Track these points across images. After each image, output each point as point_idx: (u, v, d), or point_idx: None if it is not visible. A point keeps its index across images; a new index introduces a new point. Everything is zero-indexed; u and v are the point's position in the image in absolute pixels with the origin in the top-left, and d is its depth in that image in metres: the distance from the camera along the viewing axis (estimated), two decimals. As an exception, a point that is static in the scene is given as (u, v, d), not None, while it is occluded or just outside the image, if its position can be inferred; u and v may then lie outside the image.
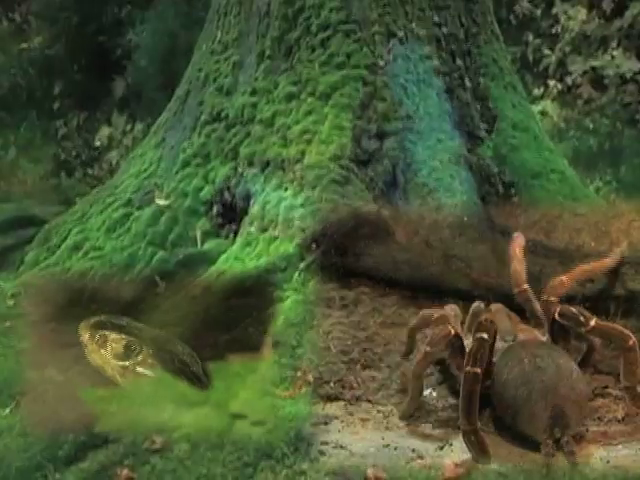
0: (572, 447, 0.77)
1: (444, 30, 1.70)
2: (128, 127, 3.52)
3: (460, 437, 0.82)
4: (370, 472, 0.78)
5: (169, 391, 0.97)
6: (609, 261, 1.06)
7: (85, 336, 1.01)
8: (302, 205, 1.39)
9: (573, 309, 0.89)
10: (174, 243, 1.54)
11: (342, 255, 1.21)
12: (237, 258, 1.40)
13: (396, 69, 1.59)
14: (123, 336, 1.00)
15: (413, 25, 1.65)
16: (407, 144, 1.53)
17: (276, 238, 1.37)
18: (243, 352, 1.07)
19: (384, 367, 1.03)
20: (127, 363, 0.99)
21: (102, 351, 0.99)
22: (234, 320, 1.17)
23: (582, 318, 0.87)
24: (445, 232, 1.19)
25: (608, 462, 0.78)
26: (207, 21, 1.89)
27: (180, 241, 1.55)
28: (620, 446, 0.82)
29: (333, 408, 0.95)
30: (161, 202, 1.61)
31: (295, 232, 1.34)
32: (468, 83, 1.71)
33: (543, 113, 3.01)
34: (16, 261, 1.75)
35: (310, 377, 1.01)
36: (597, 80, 3.04)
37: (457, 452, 0.82)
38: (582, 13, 3.20)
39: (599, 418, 0.88)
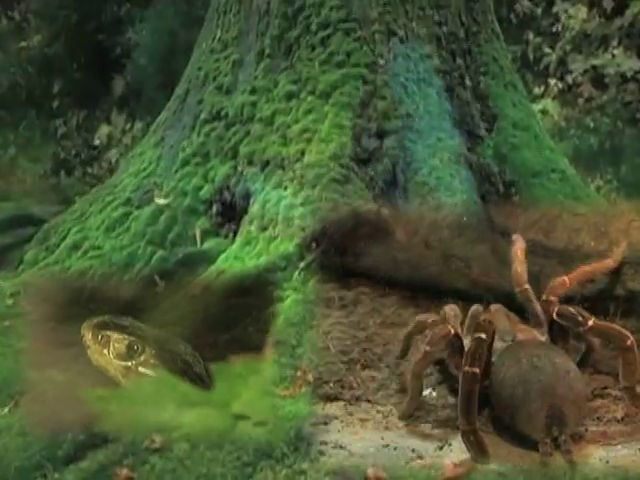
0: (569, 446, 0.77)
1: (444, 29, 1.70)
2: (127, 126, 3.52)
3: (459, 437, 0.82)
4: (370, 472, 0.78)
5: (171, 391, 0.97)
6: (610, 262, 1.06)
7: (88, 336, 1.01)
8: (302, 204, 1.38)
9: (571, 309, 0.89)
10: (173, 242, 1.54)
11: (341, 255, 1.21)
12: (237, 257, 1.40)
13: (396, 68, 1.59)
14: (125, 336, 0.99)
15: (413, 24, 1.65)
16: (407, 143, 1.52)
17: (276, 237, 1.37)
18: (243, 352, 1.07)
19: (383, 367, 1.03)
20: (130, 363, 0.99)
21: (105, 351, 0.99)
22: (234, 319, 1.17)
23: (580, 318, 0.87)
24: (444, 232, 1.19)
25: (607, 462, 0.78)
26: (207, 20, 1.89)
27: (180, 240, 1.55)
28: (619, 446, 0.81)
29: (333, 408, 0.94)
30: (160, 201, 1.61)
31: (295, 231, 1.34)
32: (468, 82, 1.71)
33: (544, 112, 3.01)
34: (15, 260, 1.75)
35: (310, 377, 1.01)
36: (598, 79, 3.04)
37: (456, 452, 0.82)
38: (583, 12, 3.19)
39: (598, 418, 0.88)
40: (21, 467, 0.87)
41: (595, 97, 3.01)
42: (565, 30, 3.22)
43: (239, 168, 1.58)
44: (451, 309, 1.00)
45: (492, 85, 1.75)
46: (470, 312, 0.98)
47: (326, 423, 0.90)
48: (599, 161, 2.65)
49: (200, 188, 1.61)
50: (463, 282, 1.12)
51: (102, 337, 0.99)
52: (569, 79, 3.12)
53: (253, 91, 1.64)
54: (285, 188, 1.45)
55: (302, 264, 1.24)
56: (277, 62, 1.63)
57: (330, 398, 0.97)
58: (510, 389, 0.84)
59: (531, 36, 3.33)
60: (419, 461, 0.81)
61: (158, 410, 0.93)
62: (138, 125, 3.43)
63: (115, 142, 3.51)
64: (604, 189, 2.44)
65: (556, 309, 0.90)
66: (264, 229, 1.41)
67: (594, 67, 3.05)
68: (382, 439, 0.86)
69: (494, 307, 0.99)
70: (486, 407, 0.88)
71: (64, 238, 1.68)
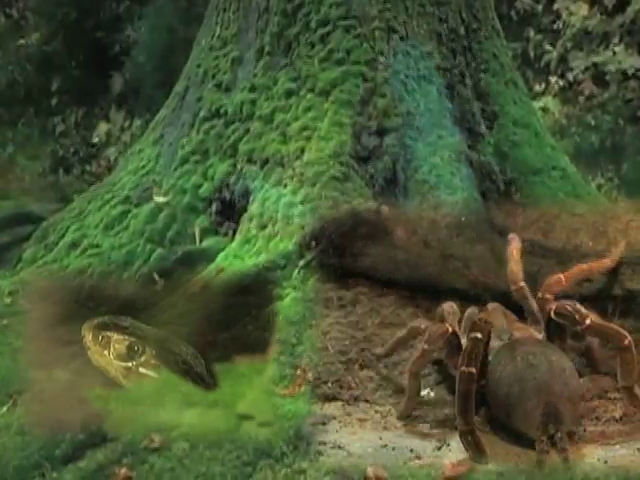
0: (565, 444, 0.77)
1: (445, 26, 1.69)
2: (126, 123, 3.51)
3: (458, 437, 0.82)
4: (370, 471, 0.78)
5: (173, 391, 0.96)
6: (608, 261, 1.06)
7: (88, 337, 1.00)
8: (301, 202, 1.38)
9: (569, 307, 0.88)
10: (173, 240, 1.54)
11: (340, 255, 1.20)
12: (236, 255, 1.39)
13: (396, 65, 1.58)
14: (126, 337, 0.99)
15: (413, 21, 1.64)
16: (407, 141, 1.52)
17: (275, 235, 1.37)
18: (243, 350, 1.06)
19: (382, 367, 1.03)
20: (130, 364, 0.98)
21: (105, 352, 0.99)
22: (233, 318, 1.16)
23: (577, 317, 0.87)
24: (443, 232, 1.19)
25: (606, 462, 0.78)
26: (206, 17, 1.88)
27: (179, 238, 1.54)
28: (618, 446, 0.81)
29: (331, 408, 0.94)
30: (159, 199, 1.60)
31: (294, 229, 1.33)
32: (469, 79, 1.70)
33: (544, 109, 3.00)
34: (13, 258, 1.75)
35: (310, 375, 1.01)
36: (599, 76, 3.03)
37: (455, 452, 0.82)
38: (584, 9, 3.18)
39: (597, 418, 0.88)
40: (19, 466, 0.86)
41: (596, 95, 3.00)
42: (566, 27, 3.21)
43: (238, 166, 1.57)
44: (449, 306, 1.00)
45: (493, 82, 1.74)
46: (466, 314, 0.98)
47: (324, 423, 0.90)
48: (600, 159, 2.65)
49: (199, 186, 1.60)
50: (462, 282, 1.12)
51: (102, 338, 0.99)
52: (570, 76, 3.11)
53: (252, 89, 1.63)
54: (285, 186, 1.44)
55: (302, 262, 1.23)
56: (276, 59, 1.63)
57: (328, 398, 0.96)
58: (506, 388, 0.83)
59: (532, 33, 3.32)
60: (417, 461, 0.81)
61: (159, 409, 0.93)
62: (137, 123, 3.42)
63: (114, 140, 3.51)
64: (605, 187, 2.43)
65: (554, 307, 0.90)
66: (263, 227, 1.41)
67: (595, 64, 3.04)
68: (380, 439, 0.86)
69: (491, 306, 0.99)
70: (483, 406, 0.87)
71: (63, 236, 1.68)
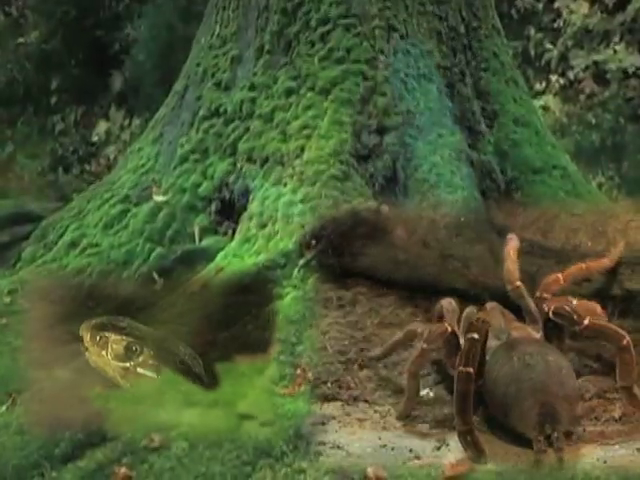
0: (562, 443, 0.76)
1: (445, 25, 1.68)
2: (126, 122, 3.50)
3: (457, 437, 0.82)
4: (370, 470, 0.78)
5: (173, 390, 0.96)
6: (606, 261, 1.06)
7: (86, 338, 1.00)
8: (301, 201, 1.37)
9: (567, 307, 0.88)
10: (172, 239, 1.53)
11: (339, 255, 1.20)
12: (236, 255, 1.39)
13: (396, 64, 1.58)
14: (124, 337, 0.99)
15: (414, 19, 1.64)
16: (407, 139, 1.51)
17: (275, 234, 1.36)
18: (243, 350, 1.06)
19: (381, 367, 1.03)
20: (128, 364, 0.98)
21: (103, 353, 0.99)
22: (233, 317, 1.16)
23: (576, 317, 0.87)
24: (442, 232, 1.18)
25: (605, 462, 0.77)
26: (205, 15, 1.88)
27: (178, 237, 1.54)
28: (617, 446, 0.81)
29: (330, 408, 0.94)
30: (159, 198, 1.60)
31: (294, 228, 1.33)
32: (469, 78, 1.70)
33: (545, 108, 2.99)
34: (13, 258, 1.74)
35: (310, 375, 1.01)
36: (599, 75, 3.02)
37: (454, 452, 0.82)
38: (584, 7, 3.17)
39: (596, 418, 0.88)
40: (19, 465, 0.86)
41: (597, 93, 3.00)
42: (566, 26, 3.21)
43: (238, 165, 1.57)
44: (448, 302, 1.00)
45: (493, 81, 1.73)
46: (465, 313, 0.98)
47: (324, 423, 0.90)
48: (601, 158, 2.64)
49: (199, 185, 1.60)
50: (461, 282, 1.11)
51: (100, 338, 0.99)
52: (570, 75, 3.11)
53: (252, 87, 1.63)
54: (284, 185, 1.44)
55: (301, 261, 1.23)
56: (276, 58, 1.62)
57: (328, 398, 0.96)
58: (503, 387, 0.83)
59: (532, 32, 3.32)
60: (417, 461, 0.81)
61: (159, 409, 0.93)
62: (136, 121, 3.41)
63: (113, 138, 3.50)
64: (606, 186, 2.43)
65: (552, 307, 0.90)
66: (263, 226, 1.41)
67: (596, 63, 3.03)
68: (380, 439, 0.86)
69: (490, 305, 0.99)
70: (480, 406, 0.87)
71: (62, 235, 1.68)
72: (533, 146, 1.69)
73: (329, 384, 0.99)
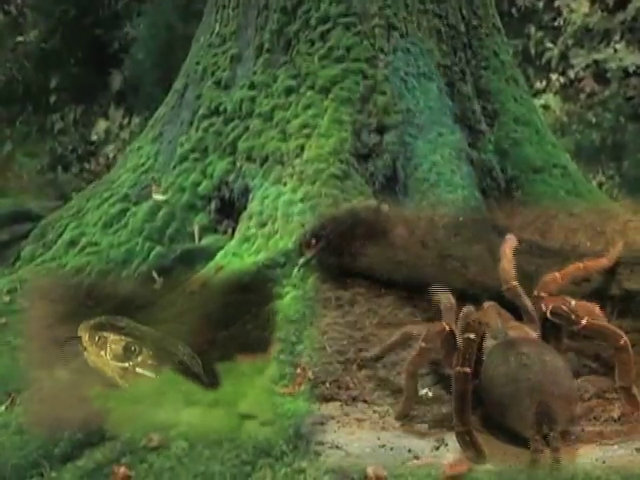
0: (558, 443, 0.77)
1: (445, 23, 1.68)
2: (125, 121, 3.50)
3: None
4: (370, 470, 0.78)
5: (174, 390, 0.96)
6: (604, 260, 1.06)
7: (85, 338, 1.00)
8: (301, 200, 1.37)
9: (565, 307, 0.88)
10: (172, 239, 1.53)
11: (338, 255, 1.20)
12: (235, 254, 1.39)
13: (396, 62, 1.58)
14: (122, 337, 0.99)
15: (414, 18, 1.63)
16: (407, 138, 1.51)
17: (275, 233, 1.36)
18: (243, 349, 1.06)
19: (380, 367, 1.02)
20: (127, 364, 0.98)
21: (102, 353, 0.99)
22: (232, 316, 1.16)
23: (574, 316, 0.87)
24: (441, 232, 1.18)
25: (604, 462, 0.77)
26: (205, 14, 1.87)
27: (178, 237, 1.54)
28: (616, 446, 0.81)
29: (329, 408, 0.94)
30: (158, 197, 1.60)
31: (294, 227, 1.33)
32: (469, 77, 1.70)
33: (545, 107, 2.99)
34: (12, 257, 1.74)
35: (310, 374, 1.00)
36: (600, 74, 3.02)
37: (453, 452, 0.82)
38: (585, 6, 3.17)
39: (595, 418, 0.88)
40: (18, 465, 0.86)
41: (597, 92, 2.99)
42: (567, 24, 3.20)
43: (238, 164, 1.57)
44: (446, 298, 0.99)
45: (493, 80, 1.73)
46: (462, 312, 0.98)
47: (322, 423, 0.89)
48: (601, 157, 2.64)
49: (198, 184, 1.60)
50: (460, 282, 1.11)
51: (99, 338, 0.99)
52: (571, 74, 3.10)
53: (252, 86, 1.62)
54: (284, 184, 1.44)
55: (301, 261, 1.23)
56: (276, 57, 1.62)
57: (326, 398, 0.96)
58: (499, 388, 0.84)
59: (532, 30, 3.31)
60: (415, 461, 0.81)
61: (158, 408, 0.93)
62: (136, 120, 3.41)
63: (112, 137, 3.50)
64: (606, 185, 2.43)
65: (550, 307, 0.89)
66: (263, 225, 1.40)
67: (596, 62, 3.03)
68: (378, 439, 0.86)
69: (487, 304, 0.99)
70: (478, 406, 0.87)
71: (61, 234, 1.67)
72: (533, 145, 1.69)
73: (328, 384, 0.98)
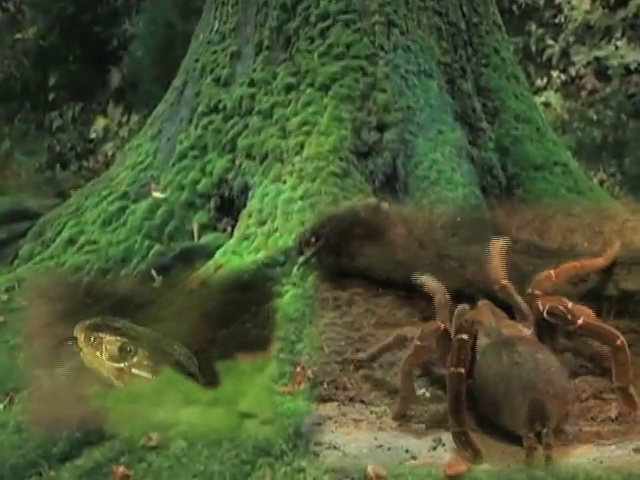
0: (550, 440, 0.77)
1: (445, 20, 1.67)
2: (124, 119, 3.49)
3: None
4: (370, 470, 0.77)
5: (173, 389, 0.96)
6: (600, 260, 1.05)
7: (80, 338, 1.00)
8: (301, 198, 1.37)
9: (561, 307, 0.88)
10: (171, 237, 1.53)
11: (336, 255, 1.20)
12: (235, 252, 1.38)
13: (397, 60, 1.57)
14: (118, 338, 0.99)
15: (414, 15, 1.63)
16: (408, 136, 1.50)
17: (274, 231, 1.36)
18: (242, 348, 1.05)
19: (377, 368, 1.02)
20: (122, 365, 0.98)
21: (97, 353, 0.98)
22: (232, 315, 1.15)
23: (570, 316, 0.87)
24: (439, 232, 1.18)
25: (601, 462, 0.77)
26: (204, 11, 1.87)
27: (177, 235, 1.53)
28: (613, 446, 0.80)
29: (326, 409, 0.93)
30: (157, 195, 1.59)
31: (294, 225, 1.32)
32: (470, 74, 1.69)
33: (546, 104, 2.99)
34: (10, 255, 1.74)
35: (310, 373, 1.00)
36: (601, 71, 3.01)
37: (450, 452, 0.81)
38: (586, 3, 3.16)
39: (592, 418, 0.87)
40: (16, 464, 0.86)
41: (598, 89, 2.99)
42: (568, 21, 3.19)
43: (237, 161, 1.56)
44: (442, 295, 0.99)
45: (494, 77, 1.73)
46: (456, 311, 0.97)
47: (320, 424, 0.89)
48: (602, 154, 2.64)
49: (198, 182, 1.59)
50: (458, 282, 1.10)
51: (94, 339, 0.98)
52: (572, 71, 3.10)
53: (251, 83, 1.62)
54: (284, 182, 1.43)
55: (301, 259, 1.22)
56: (276, 54, 1.61)
57: (324, 399, 0.95)
58: (492, 386, 0.83)
59: (533, 27, 3.30)
60: (413, 461, 0.80)
61: (157, 408, 0.92)
62: (135, 118, 3.40)
63: (111, 135, 3.49)
64: (607, 182, 2.43)
65: (547, 307, 0.89)
66: (263, 223, 1.40)
67: (597, 59, 3.02)
68: (376, 439, 0.85)
69: (481, 303, 0.98)
70: (473, 405, 0.87)
71: (60, 232, 1.67)
72: (534, 143, 1.68)
73: (325, 385, 0.98)
